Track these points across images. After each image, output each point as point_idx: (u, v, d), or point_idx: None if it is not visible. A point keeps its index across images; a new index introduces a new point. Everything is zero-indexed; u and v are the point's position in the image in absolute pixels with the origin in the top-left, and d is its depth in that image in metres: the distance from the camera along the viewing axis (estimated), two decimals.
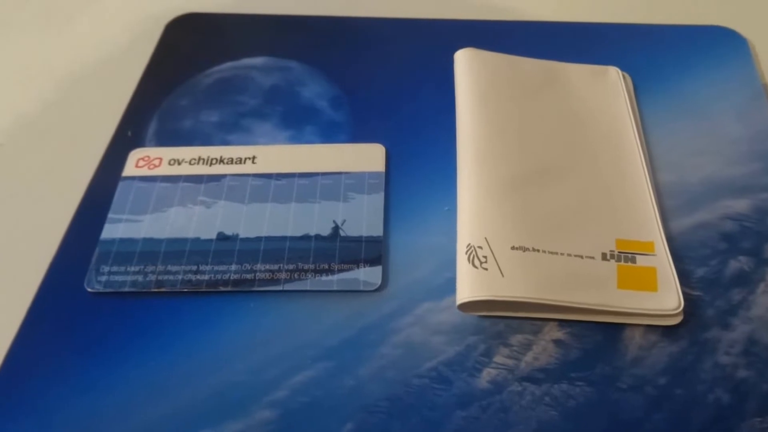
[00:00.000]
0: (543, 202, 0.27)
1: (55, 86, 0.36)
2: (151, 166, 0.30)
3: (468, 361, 0.24)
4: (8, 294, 0.27)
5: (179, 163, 0.30)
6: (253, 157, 0.30)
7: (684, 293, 0.25)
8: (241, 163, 0.30)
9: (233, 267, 0.27)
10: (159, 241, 0.27)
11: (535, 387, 0.24)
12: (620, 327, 0.25)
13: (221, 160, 0.30)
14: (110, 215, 0.28)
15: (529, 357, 0.24)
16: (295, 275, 0.26)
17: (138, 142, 0.32)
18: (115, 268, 0.27)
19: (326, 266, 0.26)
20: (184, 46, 0.37)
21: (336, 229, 0.27)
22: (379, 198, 0.29)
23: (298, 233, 0.27)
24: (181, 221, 0.28)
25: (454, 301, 0.25)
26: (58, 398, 0.24)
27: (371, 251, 0.27)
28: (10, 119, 0.35)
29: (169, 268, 0.27)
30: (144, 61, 0.36)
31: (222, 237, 0.27)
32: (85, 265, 0.28)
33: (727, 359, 0.24)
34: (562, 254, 0.25)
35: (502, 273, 0.25)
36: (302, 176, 0.29)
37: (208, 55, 0.36)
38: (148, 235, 0.28)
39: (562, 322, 0.25)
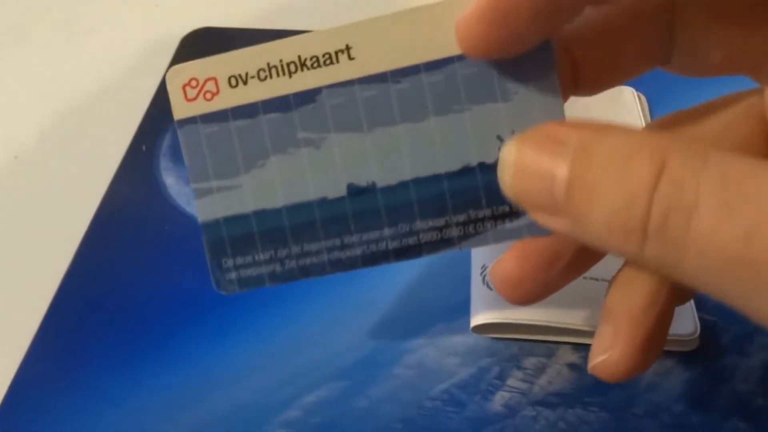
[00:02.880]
0: None
1: (71, 100, 0.36)
2: (208, 96, 0.20)
3: (481, 383, 0.24)
4: (21, 309, 0.27)
5: (244, 81, 0.20)
6: (347, 48, 0.19)
7: (700, 318, 0.25)
8: (332, 62, 0.19)
9: (387, 231, 0.20)
10: (276, 212, 0.20)
11: (549, 412, 0.23)
12: None
13: (302, 64, 0.20)
14: (194, 185, 0.20)
15: (543, 380, 0.24)
16: (470, 228, 0.20)
17: (152, 157, 0.32)
18: (240, 260, 0.21)
19: (507, 208, 0.19)
20: None
21: None
22: (551, 83, 0.19)
23: (455, 166, 0.19)
24: (291, 177, 0.20)
25: (468, 322, 0.25)
26: (72, 407, 0.24)
27: None
28: (25, 132, 0.35)
29: (307, 247, 0.20)
30: (160, 74, 0.36)
31: (355, 191, 0.20)
32: (97, 281, 0.28)
33: (744, 386, 0.24)
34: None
35: None
36: (430, 67, 0.19)
37: None
38: (258, 207, 0.20)
39: (576, 345, 0.25)
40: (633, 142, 0.15)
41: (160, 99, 0.35)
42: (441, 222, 0.20)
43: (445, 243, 0.20)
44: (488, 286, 0.25)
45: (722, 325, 0.25)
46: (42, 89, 0.37)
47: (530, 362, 0.25)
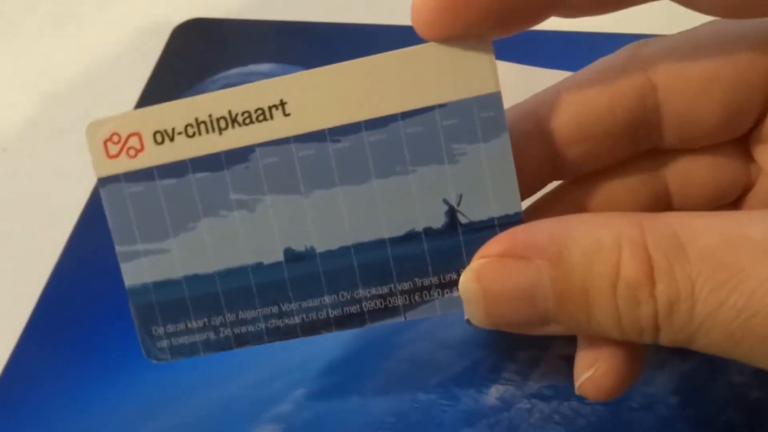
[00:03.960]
0: None
1: (60, 91, 0.36)
2: (132, 152, 0.18)
3: (476, 376, 0.24)
4: (8, 305, 0.27)
5: (171, 138, 0.18)
6: (282, 104, 0.18)
7: None
8: (266, 118, 0.18)
9: (327, 299, 0.19)
10: (208, 278, 0.19)
11: (544, 404, 0.23)
12: None
13: (233, 120, 0.18)
14: (119, 249, 0.19)
15: (537, 373, 0.24)
16: (416, 297, 0.18)
17: None
18: (171, 327, 0.19)
19: (455, 275, 0.18)
20: (191, 52, 0.37)
21: (452, 213, 0.18)
22: (502, 145, 0.18)
23: (399, 231, 0.18)
24: (224, 241, 0.19)
25: (462, 314, 0.24)
26: (59, 403, 0.24)
27: None
28: (13, 124, 0.34)
29: (242, 315, 0.19)
30: (150, 66, 0.36)
31: (293, 256, 0.19)
32: (87, 276, 0.27)
33: (740, 379, 0.23)
34: None
35: None
36: (371, 125, 0.18)
37: (215, 60, 0.36)
38: (188, 272, 0.19)
39: (571, 338, 0.25)
40: (605, 241, 0.15)
41: (150, 91, 0.34)
42: (385, 290, 0.18)
43: (389, 312, 0.19)
44: None
45: None
46: (30, 80, 0.36)
47: (525, 355, 0.24)
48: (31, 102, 0.35)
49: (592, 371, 0.17)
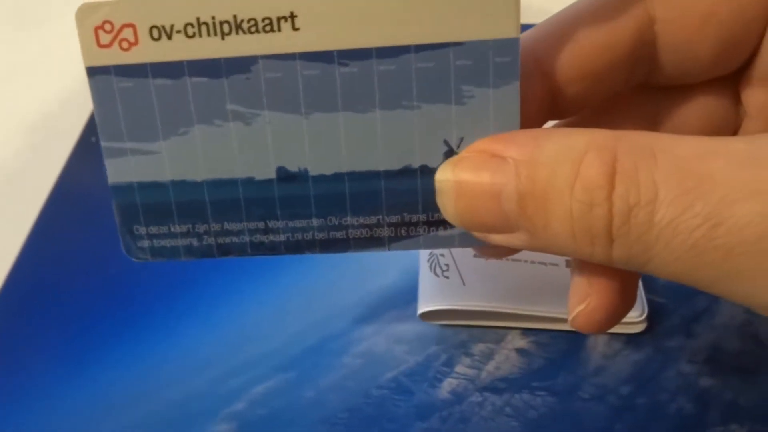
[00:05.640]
0: None
1: (19, 92, 0.36)
2: (125, 44, 0.17)
3: (429, 371, 0.24)
4: None
5: (168, 35, 0.17)
6: (292, 16, 0.17)
7: (648, 300, 0.25)
8: (273, 29, 0.17)
9: (315, 222, 0.19)
10: (196, 185, 0.18)
11: (496, 397, 0.23)
12: (583, 335, 0.25)
13: (238, 26, 0.17)
14: (104, 144, 0.18)
15: (491, 366, 0.24)
16: (402, 231, 0.19)
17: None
18: (153, 229, 0.19)
19: (442, 216, 0.18)
20: None
21: (450, 154, 0.18)
22: (511, 93, 0.17)
23: (396, 165, 0.18)
24: (216, 151, 0.18)
25: (417, 309, 0.25)
26: (18, 402, 0.24)
27: None
28: None
29: (228, 226, 0.19)
30: None
31: (285, 176, 0.19)
32: (46, 273, 0.27)
33: (690, 368, 0.24)
34: (525, 261, 0.25)
35: (463, 281, 0.24)
36: (383, 54, 0.17)
37: None
38: (176, 177, 0.18)
39: (525, 330, 0.25)
40: (576, 144, 0.14)
41: None
42: (373, 220, 0.18)
43: (374, 242, 0.19)
44: (435, 273, 0.25)
45: (670, 306, 0.25)
46: (9, 75, 0.36)
47: (478, 348, 0.24)
48: (18, 95, 0.35)
49: (584, 305, 0.17)
